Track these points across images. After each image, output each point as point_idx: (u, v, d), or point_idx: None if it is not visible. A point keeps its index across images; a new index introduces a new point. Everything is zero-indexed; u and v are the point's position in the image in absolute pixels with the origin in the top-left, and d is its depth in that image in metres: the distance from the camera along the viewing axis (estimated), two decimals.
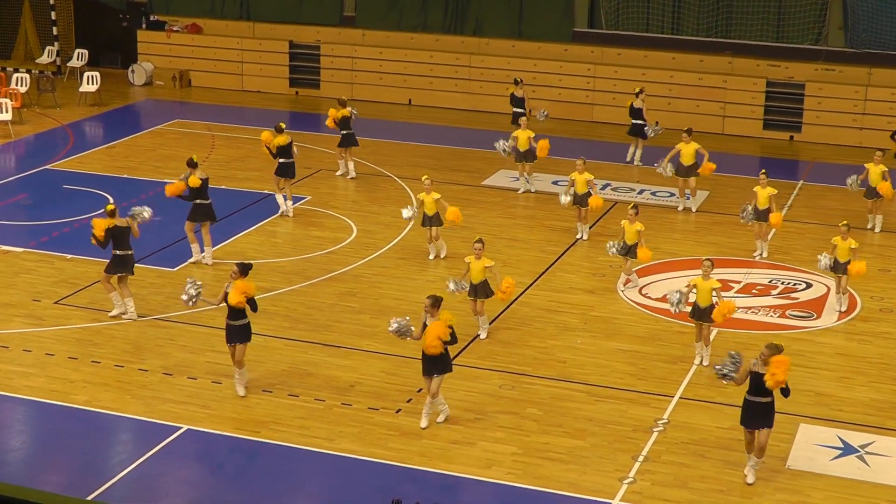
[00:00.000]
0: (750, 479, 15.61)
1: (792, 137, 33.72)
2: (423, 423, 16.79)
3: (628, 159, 30.36)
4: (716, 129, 33.96)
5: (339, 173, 28.69)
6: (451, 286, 19.41)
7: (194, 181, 22.38)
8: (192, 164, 22.56)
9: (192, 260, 22.88)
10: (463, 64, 36.20)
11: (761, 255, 23.71)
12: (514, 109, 31.00)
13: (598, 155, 31.03)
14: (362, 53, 37.09)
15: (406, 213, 23.05)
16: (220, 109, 35.69)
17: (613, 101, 34.51)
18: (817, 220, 26.17)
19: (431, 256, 23.29)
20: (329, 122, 28.41)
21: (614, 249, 21.74)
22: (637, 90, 30.16)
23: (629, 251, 21.71)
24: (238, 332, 17.37)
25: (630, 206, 21.90)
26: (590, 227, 24.74)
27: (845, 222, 21.16)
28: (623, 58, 35.26)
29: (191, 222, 22.67)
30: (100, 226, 20.03)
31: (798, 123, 33.71)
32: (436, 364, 16.52)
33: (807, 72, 33.92)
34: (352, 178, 28.52)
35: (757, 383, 15.41)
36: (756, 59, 34.48)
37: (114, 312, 20.37)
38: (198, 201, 22.52)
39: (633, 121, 30.01)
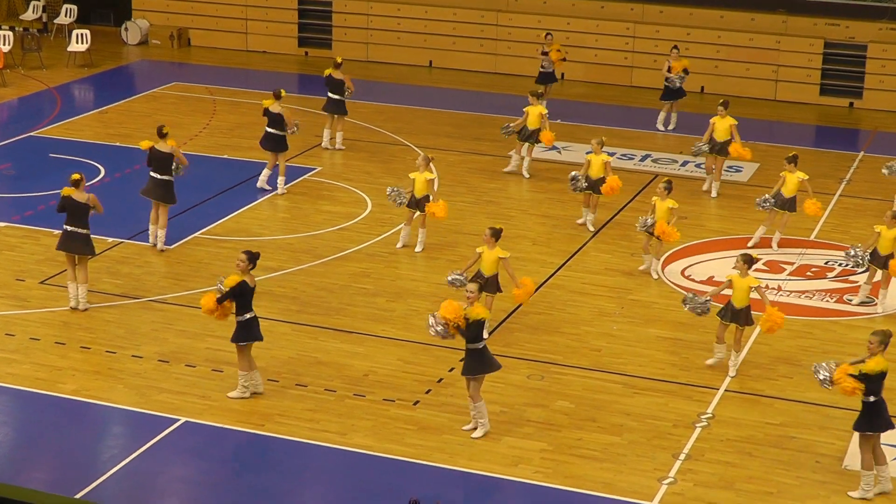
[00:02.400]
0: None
1: (852, 104, 33.55)
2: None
3: (662, 127, 30.28)
4: (768, 95, 33.82)
5: (324, 144, 28.27)
6: (450, 278, 19.02)
7: (147, 145, 22.07)
8: (161, 135, 22.02)
9: (159, 247, 22.33)
10: (489, 22, 36.12)
11: (768, 242, 23.14)
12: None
13: (636, 123, 31.00)
14: (378, 10, 37.04)
15: (392, 194, 22.53)
16: (222, 71, 35.70)
17: (654, 63, 34.33)
18: (879, 196, 26.04)
19: (418, 248, 22.65)
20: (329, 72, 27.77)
21: (647, 224, 21.41)
22: (672, 48, 30.16)
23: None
24: (237, 327, 17.09)
25: (662, 181, 21.70)
26: (620, 210, 24.36)
27: (894, 209, 20.60)
28: (665, 16, 35.13)
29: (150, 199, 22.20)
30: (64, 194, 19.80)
31: (859, 89, 33.53)
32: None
33: (869, 32, 33.72)
34: (327, 148, 28.19)
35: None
36: (813, 17, 34.30)
37: (73, 304, 20.01)
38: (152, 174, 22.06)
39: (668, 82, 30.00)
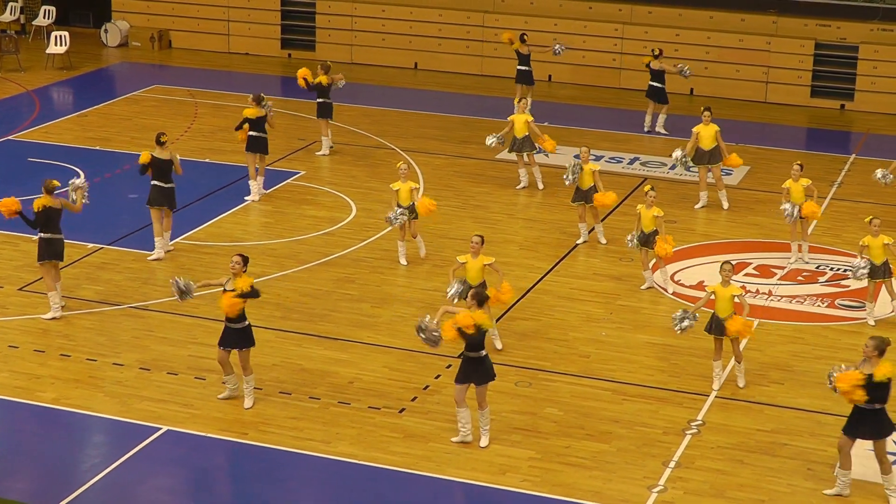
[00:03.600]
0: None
1: (843, 106, 33.64)
2: (473, 439, 16.72)
3: (646, 128, 30.34)
4: (758, 97, 33.90)
5: (319, 153, 28.35)
6: (453, 290, 18.90)
7: (146, 158, 21.98)
8: (159, 143, 22.08)
9: (153, 256, 22.30)
10: (475, 23, 36.15)
11: (801, 258, 22.93)
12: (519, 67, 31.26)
13: (626, 126, 31.05)
14: (363, 11, 37.04)
15: (393, 217, 21.77)
16: (203, 74, 35.69)
17: (643, 65, 34.43)
18: (871, 199, 26.11)
19: (403, 261, 22.43)
20: (301, 81, 27.85)
21: (634, 241, 21.23)
22: (656, 51, 30.18)
23: (647, 241, 21.22)
24: (241, 335, 17.24)
25: (647, 188, 21.49)
26: (602, 220, 24.23)
27: (875, 217, 20.36)
28: (654, 17, 35.20)
29: (156, 208, 22.20)
30: (37, 203, 19.73)
31: (850, 91, 33.62)
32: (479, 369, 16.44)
33: (861, 32, 33.82)
34: (324, 154, 28.21)
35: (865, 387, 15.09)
36: (804, 17, 34.39)
37: (49, 315, 19.97)
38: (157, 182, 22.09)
39: (652, 83, 29.98)
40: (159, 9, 38.62)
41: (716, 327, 18.05)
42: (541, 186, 26.39)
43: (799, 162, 22.89)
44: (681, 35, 34.20)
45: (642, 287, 21.65)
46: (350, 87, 28.66)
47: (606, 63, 35.09)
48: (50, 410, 17.26)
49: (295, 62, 37.06)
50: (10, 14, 39.04)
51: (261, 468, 15.94)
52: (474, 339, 16.20)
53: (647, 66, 30.08)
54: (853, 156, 29.43)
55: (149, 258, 22.29)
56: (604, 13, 35.55)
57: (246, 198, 25.33)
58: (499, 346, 19.28)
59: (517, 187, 26.49)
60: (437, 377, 18.23)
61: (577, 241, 23.52)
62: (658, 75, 29.91)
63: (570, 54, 33.68)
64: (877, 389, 15.00)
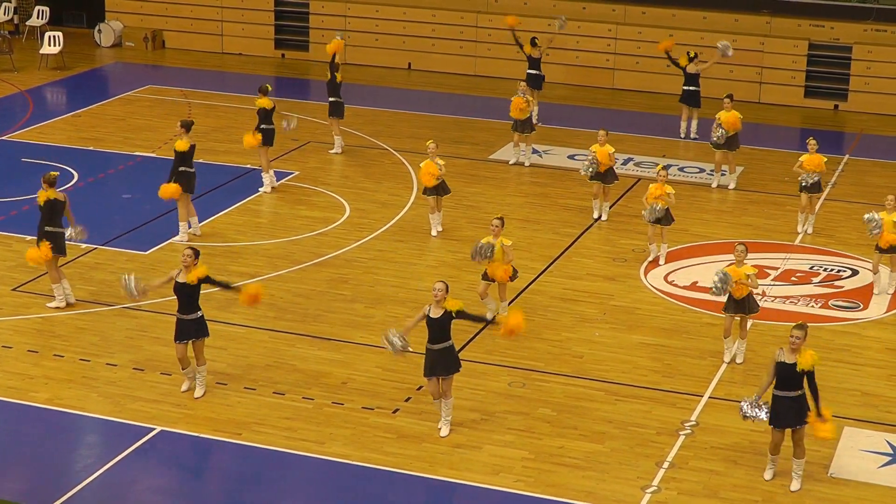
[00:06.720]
0: (794, 486, 15.70)
1: (837, 107, 33.68)
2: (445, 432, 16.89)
3: (683, 134, 30.15)
4: (752, 98, 33.91)
5: (332, 151, 28.47)
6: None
7: (182, 145, 22.60)
8: (186, 126, 22.77)
9: (178, 238, 22.87)
10: (469, 24, 36.16)
11: (806, 231, 24.03)
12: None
13: (620, 126, 31.02)
14: (356, 11, 37.04)
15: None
16: (197, 74, 35.68)
17: (637, 65, 34.46)
18: (864, 200, 26.15)
19: (434, 232, 23.57)
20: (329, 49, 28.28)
21: (655, 215, 21.93)
22: (692, 54, 29.96)
23: (664, 217, 22.01)
24: (195, 325, 17.39)
25: (659, 168, 22.30)
26: (610, 207, 24.75)
27: (892, 195, 21.07)
28: (648, 17, 35.22)
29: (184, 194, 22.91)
30: (41, 196, 19.95)
31: (844, 91, 33.66)
32: (442, 361, 16.58)
33: (855, 33, 33.86)
34: (335, 153, 28.36)
35: (785, 375, 15.47)
36: (797, 18, 34.43)
37: (54, 304, 20.28)
38: (183, 169, 22.68)
39: (686, 87, 29.76)
40: (153, 9, 38.61)
41: (734, 307, 18.65)
42: (526, 164, 27.80)
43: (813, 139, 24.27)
44: (674, 35, 34.11)
45: (649, 259, 22.53)
46: (344, 88, 28.63)
47: (600, 63, 35.11)
48: (43, 411, 17.25)
49: (288, 62, 37.10)
50: (4, 14, 38.99)
51: (254, 468, 15.94)
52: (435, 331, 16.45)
53: (683, 69, 29.74)
54: (847, 156, 29.46)
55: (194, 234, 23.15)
56: (597, 13, 35.57)
57: (260, 189, 25.72)
58: (489, 316, 19.71)
59: (510, 162, 27.83)
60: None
61: (595, 217, 24.63)
62: (693, 78, 29.65)
63: (563, 54, 33.67)
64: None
